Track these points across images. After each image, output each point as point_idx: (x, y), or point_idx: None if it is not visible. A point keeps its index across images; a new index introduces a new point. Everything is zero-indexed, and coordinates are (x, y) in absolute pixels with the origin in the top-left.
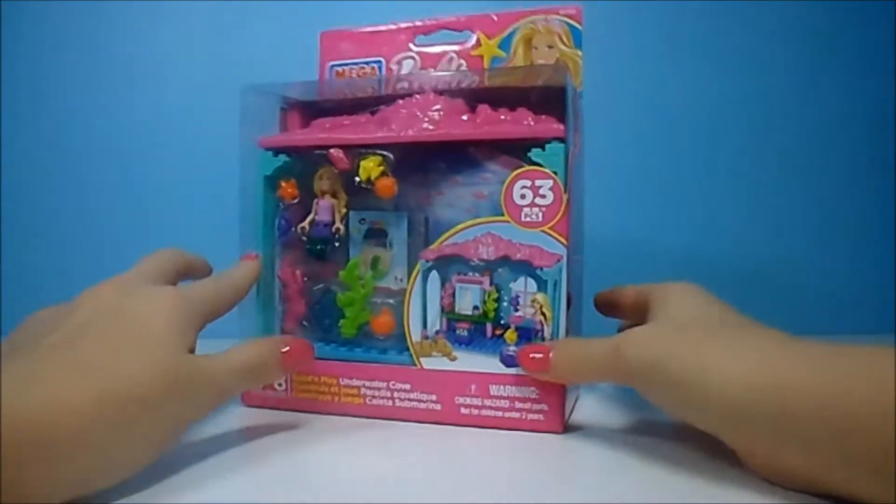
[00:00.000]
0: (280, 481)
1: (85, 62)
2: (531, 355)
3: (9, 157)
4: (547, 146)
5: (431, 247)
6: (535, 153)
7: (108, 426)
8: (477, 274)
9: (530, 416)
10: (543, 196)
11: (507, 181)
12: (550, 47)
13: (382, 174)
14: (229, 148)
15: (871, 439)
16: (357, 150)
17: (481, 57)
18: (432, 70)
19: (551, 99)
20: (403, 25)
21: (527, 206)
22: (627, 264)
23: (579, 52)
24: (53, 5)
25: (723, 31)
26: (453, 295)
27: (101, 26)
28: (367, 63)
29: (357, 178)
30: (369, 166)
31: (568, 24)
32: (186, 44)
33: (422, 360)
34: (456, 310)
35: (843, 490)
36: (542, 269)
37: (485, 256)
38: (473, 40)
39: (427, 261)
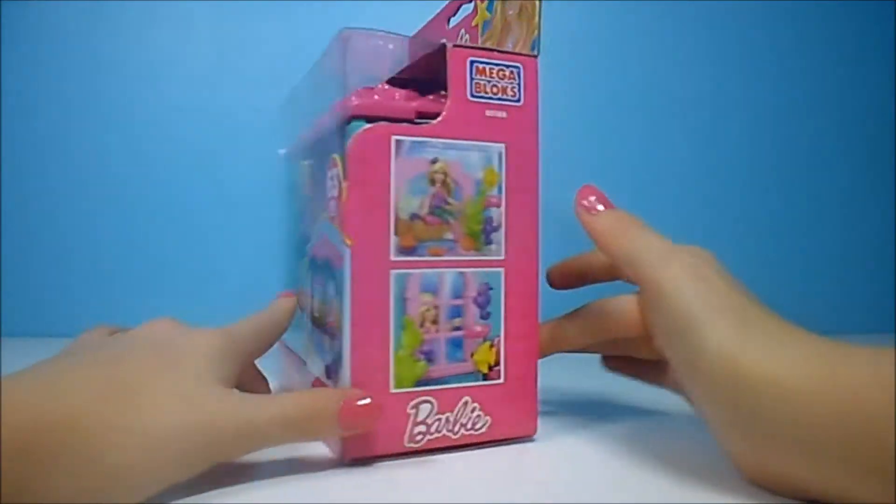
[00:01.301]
0: None
1: (85, 62)
2: (594, 200)
3: (9, 157)
4: (347, 126)
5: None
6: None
7: (119, 446)
8: (321, 275)
9: None
10: (335, 186)
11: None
12: None
13: None
14: (229, 146)
15: (881, 446)
16: None
17: (477, 26)
18: None
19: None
20: (442, 12)
21: (331, 198)
22: None
23: None
24: (53, 5)
25: (723, 31)
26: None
27: (101, 26)
28: None
29: None
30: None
31: None
32: (187, 43)
33: None
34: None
35: (838, 498)
36: (338, 271)
37: (321, 256)
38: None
39: (308, 259)
